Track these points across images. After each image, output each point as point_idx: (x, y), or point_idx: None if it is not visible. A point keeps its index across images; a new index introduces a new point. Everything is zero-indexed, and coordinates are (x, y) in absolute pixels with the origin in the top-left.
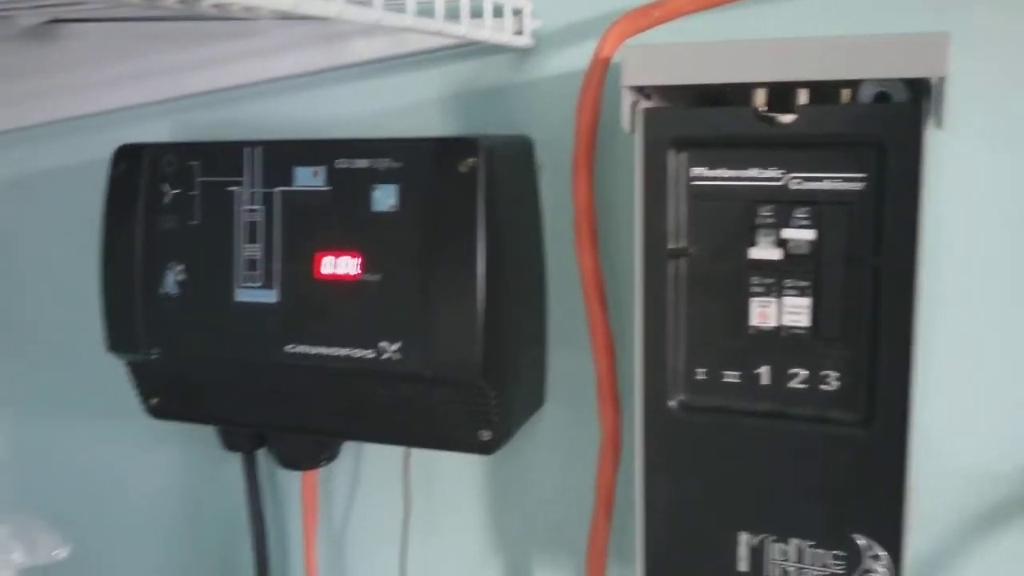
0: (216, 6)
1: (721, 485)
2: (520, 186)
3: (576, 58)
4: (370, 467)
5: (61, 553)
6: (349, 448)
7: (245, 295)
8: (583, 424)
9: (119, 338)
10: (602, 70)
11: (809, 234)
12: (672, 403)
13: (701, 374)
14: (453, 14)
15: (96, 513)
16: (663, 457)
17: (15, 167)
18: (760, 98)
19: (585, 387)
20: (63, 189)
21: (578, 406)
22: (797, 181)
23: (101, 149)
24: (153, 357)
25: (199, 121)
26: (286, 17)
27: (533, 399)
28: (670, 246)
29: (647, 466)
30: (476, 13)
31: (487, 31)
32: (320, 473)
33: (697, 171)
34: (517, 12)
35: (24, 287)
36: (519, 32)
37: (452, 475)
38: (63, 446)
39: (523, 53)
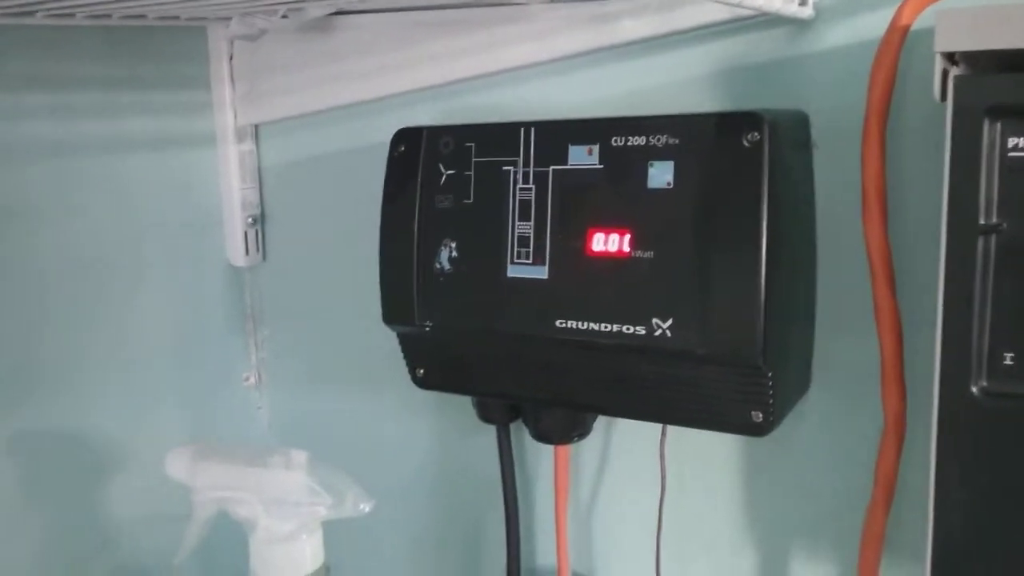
0: None
1: None
2: (798, 162)
3: (857, 30)
4: (621, 445)
5: (366, 508)
6: (599, 425)
7: (517, 271)
8: (853, 409)
9: (394, 311)
10: (900, 38)
11: None
12: (975, 389)
13: (1009, 359)
14: None
15: (357, 475)
16: (961, 448)
17: (297, 151)
18: None
19: (854, 371)
20: (340, 172)
21: (848, 390)
22: None
23: (375, 134)
24: (426, 330)
25: (468, 105)
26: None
27: (802, 382)
28: (981, 221)
29: (941, 457)
30: None
31: (778, 2)
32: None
33: (1015, 142)
34: None
35: (303, 263)
36: (803, 3)
37: (708, 456)
38: (333, 412)
39: (800, 26)
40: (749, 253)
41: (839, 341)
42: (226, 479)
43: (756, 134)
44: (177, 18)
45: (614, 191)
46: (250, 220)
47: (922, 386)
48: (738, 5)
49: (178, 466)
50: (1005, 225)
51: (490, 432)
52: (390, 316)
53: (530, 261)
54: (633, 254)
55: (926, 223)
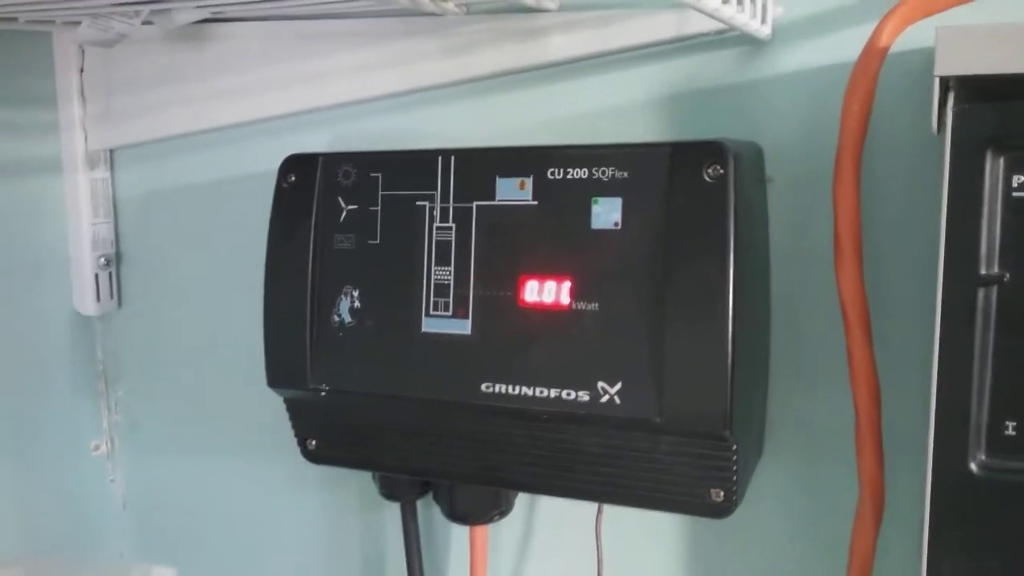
0: None
1: None
2: (755, 201)
3: (818, 53)
4: (549, 524)
5: None
6: (522, 499)
7: (433, 325)
8: (816, 479)
9: (282, 372)
10: (879, 61)
11: None
12: (973, 464)
13: (1011, 429)
14: None
15: (236, 558)
16: (957, 530)
17: (160, 180)
18: None
19: (816, 436)
20: (212, 205)
21: (809, 458)
22: None
23: (256, 162)
24: (321, 395)
25: (368, 131)
26: (473, 12)
27: (758, 451)
28: (982, 272)
29: (934, 540)
30: None
31: (745, 16)
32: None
33: (1021, 179)
34: None
35: (166, 311)
36: (763, 21)
37: (652, 537)
38: (202, 487)
39: (754, 47)
40: (713, 303)
41: (796, 402)
42: None
43: (719, 167)
44: (15, 20)
45: (551, 232)
46: (102, 261)
47: (901, 451)
48: (704, 12)
49: None
50: (1008, 276)
51: (394, 510)
52: (277, 378)
53: (449, 313)
54: (574, 306)
55: (897, 267)
